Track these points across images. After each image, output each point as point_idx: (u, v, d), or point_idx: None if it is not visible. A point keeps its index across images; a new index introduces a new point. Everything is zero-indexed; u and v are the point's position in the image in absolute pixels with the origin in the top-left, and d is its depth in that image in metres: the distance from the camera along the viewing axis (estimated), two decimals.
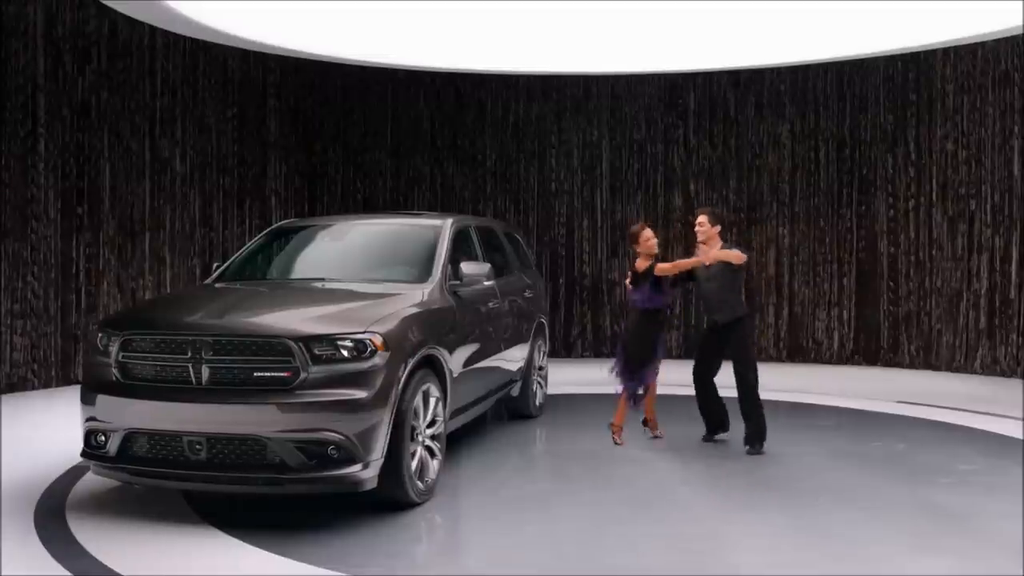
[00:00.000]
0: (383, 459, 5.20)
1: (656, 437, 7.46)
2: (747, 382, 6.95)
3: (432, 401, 5.77)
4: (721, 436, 7.37)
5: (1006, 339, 11.14)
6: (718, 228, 7.10)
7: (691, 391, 7.40)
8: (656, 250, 7.14)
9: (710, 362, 7.23)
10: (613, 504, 5.81)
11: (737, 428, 7.24)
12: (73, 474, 6.27)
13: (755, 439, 6.98)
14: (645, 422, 7.54)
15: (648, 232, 7.15)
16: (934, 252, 11.71)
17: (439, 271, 6.41)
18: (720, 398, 7.30)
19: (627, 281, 7.28)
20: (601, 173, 13.14)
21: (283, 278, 6.94)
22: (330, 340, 5.12)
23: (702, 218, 7.12)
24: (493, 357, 7.17)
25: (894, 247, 11.98)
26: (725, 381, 7.21)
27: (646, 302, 7.13)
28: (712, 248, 7.06)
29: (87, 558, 4.72)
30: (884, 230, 12.06)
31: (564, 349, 13.04)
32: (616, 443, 7.23)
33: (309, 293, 6.22)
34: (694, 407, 7.39)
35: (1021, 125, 11.03)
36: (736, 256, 6.96)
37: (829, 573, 4.60)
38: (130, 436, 5.23)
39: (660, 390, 7.51)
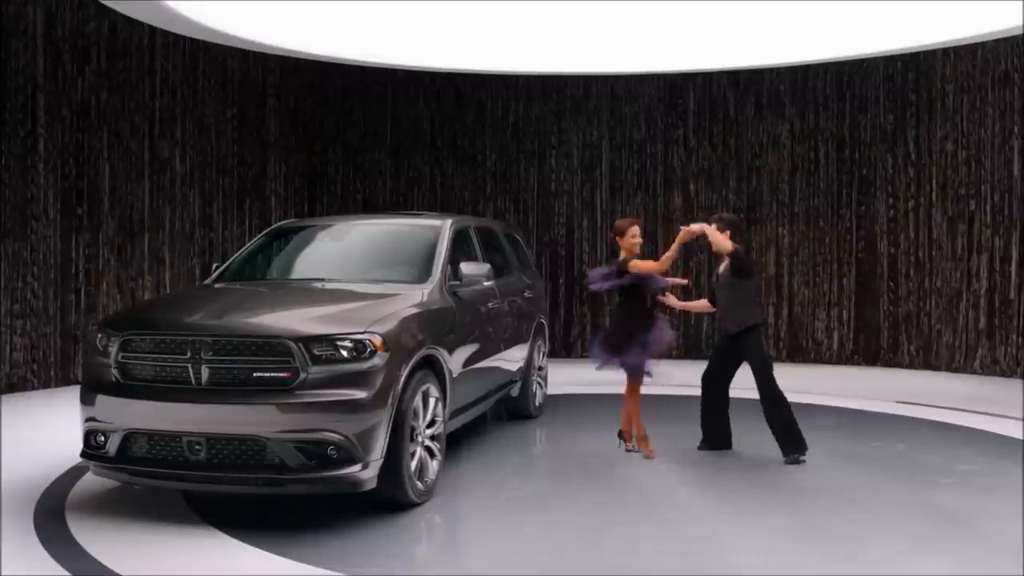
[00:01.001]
0: (382, 459, 5.20)
1: (629, 450, 7.00)
2: (764, 390, 6.73)
3: (432, 401, 5.77)
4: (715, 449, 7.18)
5: (1006, 339, 11.14)
6: (727, 234, 6.84)
7: (690, 391, 7.38)
8: (638, 250, 6.85)
9: (718, 369, 7.03)
10: (613, 505, 5.81)
11: (751, 442, 7.19)
12: (73, 474, 6.27)
13: (787, 447, 6.71)
14: (620, 434, 7.09)
15: (636, 229, 6.85)
16: (934, 252, 11.71)
17: (439, 271, 6.41)
18: (727, 416, 7.10)
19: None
20: (601, 173, 13.14)
21: (283, 278, 6.94)
22: (330, 340, 5.12)
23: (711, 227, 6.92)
24: (493, 357, 7.16)
25: (894, 247, 11.98)
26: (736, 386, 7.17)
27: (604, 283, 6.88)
28: (723, 259, 6.91)
29: (87, 558, 4.72)
30: (884, 230, 12.06)
31: (564, 349, 13.04)
32: (627, 449, 7.00)
33: (309, 293, 6.22)
34: (692, 407, 7.35)
35: (1021, 125, 11.03)
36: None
37: (829, 573, 4.60)
38: (130, 436, 5.23)
39: (658, 390, 7.34)
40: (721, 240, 6.75)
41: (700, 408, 7.19)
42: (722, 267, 7.02)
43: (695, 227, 6.85)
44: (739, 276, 6.84)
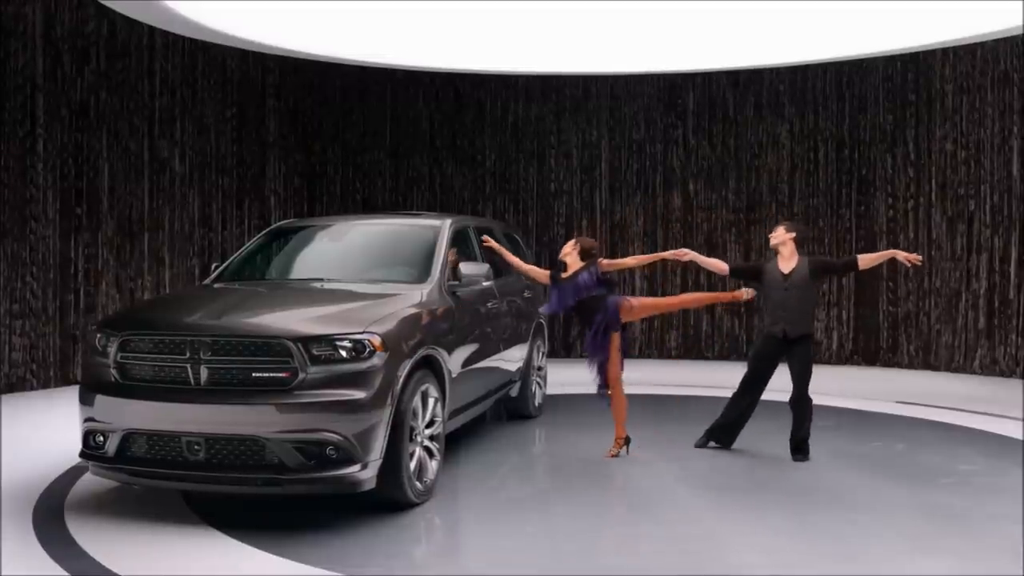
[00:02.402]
0: (382, 459, 5.19)
1: (612, 455, 6.92)
2: (804, 396, 6.81)
3: (431, 401, 5.77)
4: (714, 446, 7.21)
5: (1005, 339, 11.14)
6: (793, 235, 6.85)
7: (690, 391, 7.36)
8: (567, 259, 6.95)
9: (761, 376, 6.96)
10: (612, 504, 5.81)
11: (750, 442, 7.21)
12: (72, 474, 6.27)
13: (796, 453, 6.85)
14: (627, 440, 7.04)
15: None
16: (933, 252, 11.70)
17: (438, 271, 6.41)
18: (747, 418, 7.09)
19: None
20: (600, 173, 13.14)
21: (282, 278, 6.93)
22: (328, 340, 5.11)
23: (780, 227, 6.94)
24: (492, 357, 7.16)
25: (893, 247, 11.95)
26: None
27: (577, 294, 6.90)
28: (791, 257, 6.85)
29: (86, 559, 4.72)
30: (883, 230, 12.06)
31: (563, 349, 13.04)
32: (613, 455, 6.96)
33: (308, 293, 6.22)
34: (692, 407, 7.34)
35: (1020, 125, 11.03)
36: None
37: (829, 573, 4.60)
38: (129, 436, 5.22)
39: (655, 390, 7.30)
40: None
41: (725, 409, 7.14)
42: (788, 267, 6.85)
43: (688, 255, 7.13)
44: (820, 276, 6.88)
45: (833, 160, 12.36)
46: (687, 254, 7.17)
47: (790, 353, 6.82)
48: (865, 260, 6.95)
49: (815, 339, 6.85)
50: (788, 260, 6.86)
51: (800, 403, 6.83)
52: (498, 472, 6.67)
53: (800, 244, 6.96)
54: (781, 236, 6.89)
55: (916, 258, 6.70)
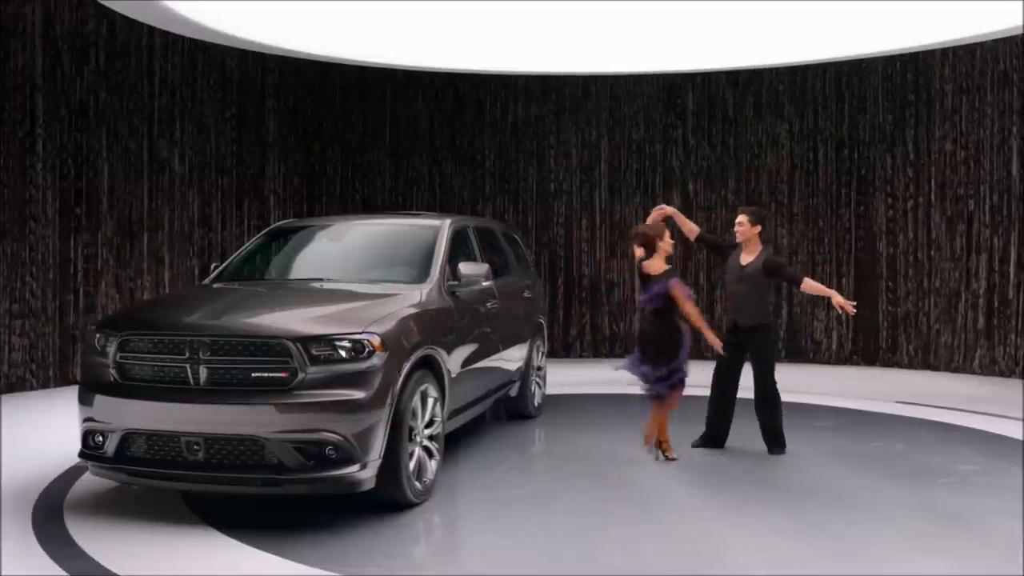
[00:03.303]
0: (381, 459, 5.20)
1: (671, 459, 6.81)
2: (763, 388, 6.85)
3: (430, 401, 5.77)
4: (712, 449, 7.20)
5: (1004, 339, 11.13)
6: (758, 229, 6.92)
7: (689, 391, 7.35)
8: (672, 250, 6.72)
9: (727, 366, 7.05)
10: (611, 504, 5.80)
11: (749, 442, 7.21)
12: (71, 474, 6.27)
13: (772, 447, 6.95)
14: (659, 443, 6.88)
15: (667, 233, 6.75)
16: (932, 252, 11.71)
17: (437, 271, 6.41)
18: (730, 414, 7.12)
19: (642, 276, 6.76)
20: (600, 173, 13.14)
21: (281, 278, 6.93)
22: (328, 340, 5.11)
23: (742, 218, 6.93)
24: (491, 357, 7.16)
25: (893, 247, 11.98)
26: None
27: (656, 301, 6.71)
28: (752, 250, 6.89)
29: (85, 559, 4.72)
30: (883, 230, 12.06)
31: (563, 349, 13.03)
32: (669, 458, 6.79)
33: (307, 293, 6.22)
34: (692, 407, 7.34)
35: (1019, 125, 11.03)
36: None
37: (828, 573, 4.60)
38: (128, 436, 5.23)
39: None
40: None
41: (707, 417, 7.20)
42: (746, 259, 6.92)
43: (667, 210, 7.19)
44: (769, 275, 6.89)
45: (833, 160, 12.36)
46: (665, 210, 7.19)
47: (750, 345, 6.89)
48: (808, 285, 6.84)
49: (774, 329, 6.95)
50: (749, 252, 6.94)
51: (765, 397, 6.86)
52: (497, 472, 6.67)
53: (763, 229, 6.98)
54: (747, 232, 6.90)
55: (851, 308, 6.61)
